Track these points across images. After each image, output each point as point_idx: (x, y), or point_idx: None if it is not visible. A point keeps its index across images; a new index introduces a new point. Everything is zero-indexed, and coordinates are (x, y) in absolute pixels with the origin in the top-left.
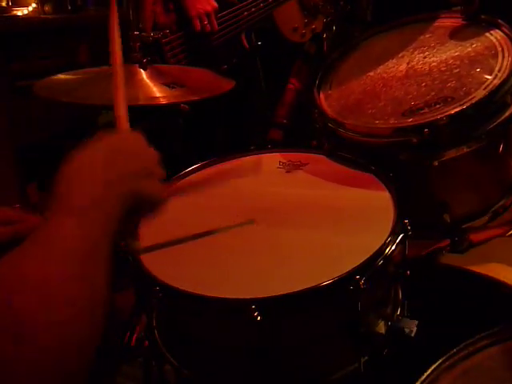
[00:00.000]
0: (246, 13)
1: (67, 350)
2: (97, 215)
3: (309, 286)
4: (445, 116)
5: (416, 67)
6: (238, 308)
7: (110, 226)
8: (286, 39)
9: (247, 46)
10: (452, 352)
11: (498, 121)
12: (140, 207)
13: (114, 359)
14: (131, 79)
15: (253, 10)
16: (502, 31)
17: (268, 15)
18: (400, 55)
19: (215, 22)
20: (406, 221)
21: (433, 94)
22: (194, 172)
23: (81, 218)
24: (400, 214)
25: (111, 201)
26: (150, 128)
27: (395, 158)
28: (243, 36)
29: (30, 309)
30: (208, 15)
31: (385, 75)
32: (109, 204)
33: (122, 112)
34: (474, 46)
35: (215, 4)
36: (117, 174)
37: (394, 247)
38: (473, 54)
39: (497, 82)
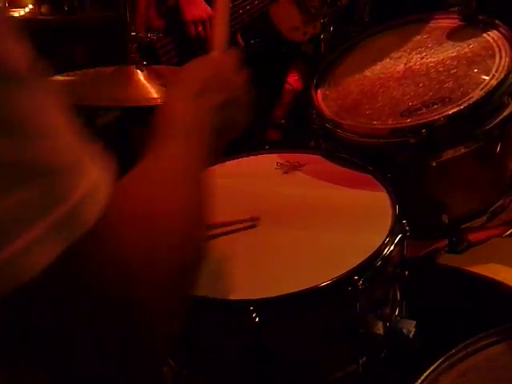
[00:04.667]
0: (241, 11)
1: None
2: (204, 106)
3: (307, 286)
4: (442, 116)
5: (413, 68)
6: (236, 309)
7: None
8: (287, 39)
9: (242, 44)
10: (450, 353)
11: (496, 121)
12: (225, 133)
13: None
14: (128, 80)
15: (247, 7)
16: (499, 32)
17: (263, 14)
18: (397, 55)
19: (209, 31)
20: (404, 221)
21: (430, 94)
22: None
23: (196, 101)
24: (398, 215)
25: (210, 116)
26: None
27: (393, 159)
28: (238, 34)
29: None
30: (203, 23)
31: (382, 75)
32: (208, 118)
33: (220, 34)
34: (471, 46)
35: (210, 11)
36: (209, 107)
37: (392, 248)
38: (470, 55)
39: (494, 82)
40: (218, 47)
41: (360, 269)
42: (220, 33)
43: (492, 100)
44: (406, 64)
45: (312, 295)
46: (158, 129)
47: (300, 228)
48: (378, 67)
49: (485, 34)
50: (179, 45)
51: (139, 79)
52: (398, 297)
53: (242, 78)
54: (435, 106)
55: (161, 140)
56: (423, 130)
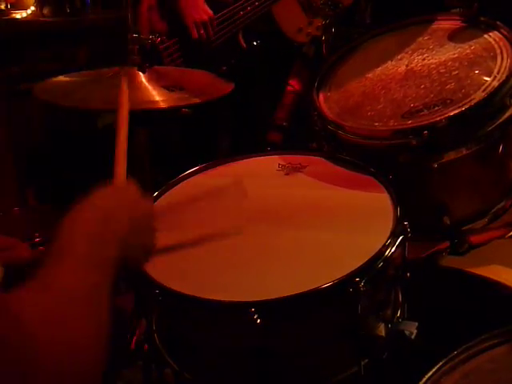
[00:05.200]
0: (241, 12)
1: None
2: (94, 260)
3: (308, 288)
4: (444, 118)
5: (415, 69)
6: (237, 311)
7: (108, 271)
8: (292, 41)
9: (244, 45)
10: (452, 354)
11: (497, 123)
12: (134, 260)
13: (114, 363)
14: (130, 82)
15: (248, 9)
16: (501, 33)
17: (265, 15)
18: (399, 57)
19: (211, 31)
20: (406, 223)
21: (432, 96)
22: (194, 175)
23: (80, 263)
24: (400, 216)
25: (107, 253)
26: (151, 132)
27: (395, 160)
28: (240, 36)
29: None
30: (204, 24)
31: (384, 77)
32: (104, 255)
33: (121, 168)
34: (472, 47)
35: (211, 12)
36: (112, 233)
37: (393, 249)
38: (471, 56)
39: (496, 83)
40: (120, 177)
41: (361, 270)
42: (121, 163)
43: (493, 101)
44: (407, 65)
45: (313, 297)
46: (55, 250)
47: (301, 229)
48: (380, 69)
49: (486, 36)
50: (183, 47)
51: (141, 81)
52: (400, 298)
53: (147, 204)
54: (437, 108)
55: (56, 265)
56: (425, 132)
